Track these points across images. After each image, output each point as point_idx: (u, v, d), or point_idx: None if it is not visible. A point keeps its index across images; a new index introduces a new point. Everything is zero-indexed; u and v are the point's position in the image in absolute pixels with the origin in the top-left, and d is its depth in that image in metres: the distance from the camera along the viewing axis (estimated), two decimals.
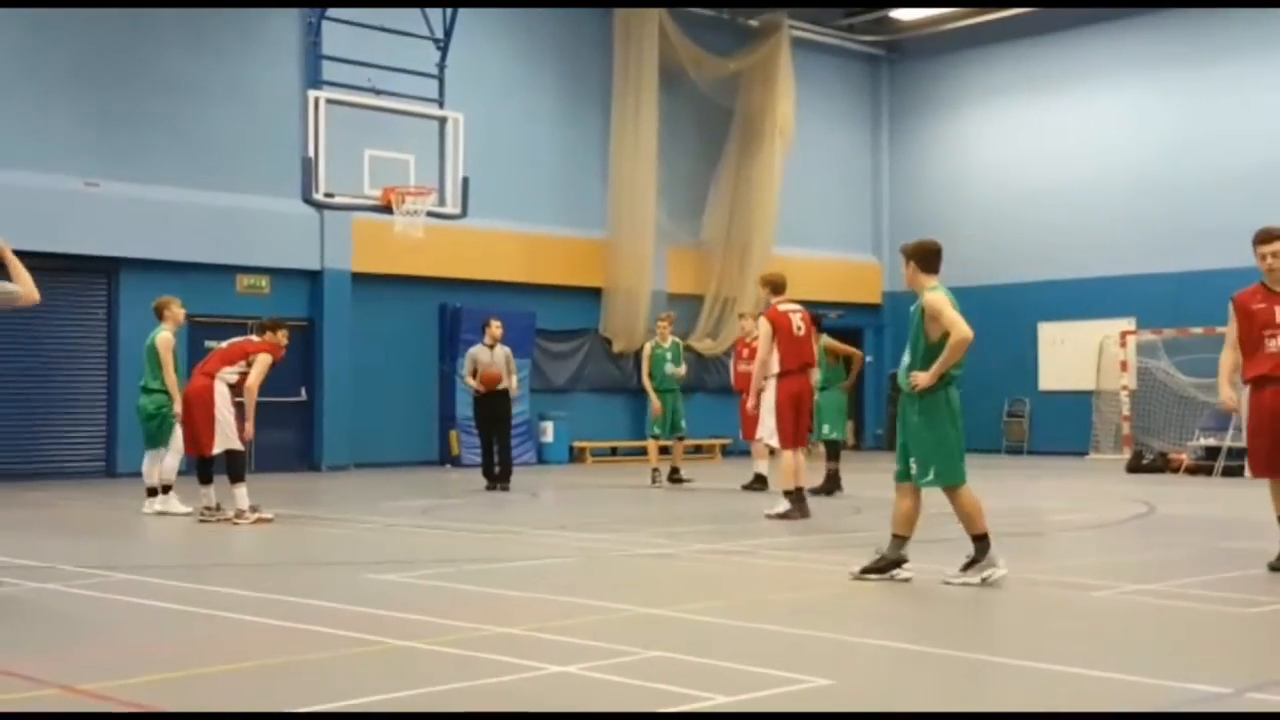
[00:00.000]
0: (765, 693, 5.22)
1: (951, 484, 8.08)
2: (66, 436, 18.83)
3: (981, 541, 7.96)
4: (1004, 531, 11.66)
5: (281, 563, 9.71)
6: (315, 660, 5.92)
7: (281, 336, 12.74)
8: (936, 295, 7.97)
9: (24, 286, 8.01)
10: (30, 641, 6.52)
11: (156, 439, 13.00)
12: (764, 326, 12.39)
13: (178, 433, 12.75)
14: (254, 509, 12.09)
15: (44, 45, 18.42)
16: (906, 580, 7.98)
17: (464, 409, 21.40)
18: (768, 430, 12.44)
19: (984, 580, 7.85)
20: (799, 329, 12.44)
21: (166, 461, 12.95)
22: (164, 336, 12.94)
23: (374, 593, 7.85)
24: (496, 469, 16.20)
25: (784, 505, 12.27)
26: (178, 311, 13.17)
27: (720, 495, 15.18)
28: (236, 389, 12.37)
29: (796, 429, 12.40)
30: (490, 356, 16.08)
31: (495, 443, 16.16)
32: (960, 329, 7.83)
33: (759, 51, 25.38)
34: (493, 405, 16.09)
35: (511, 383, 16.21)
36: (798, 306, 12.69)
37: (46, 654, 6.13)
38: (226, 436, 12.16)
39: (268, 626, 6.82)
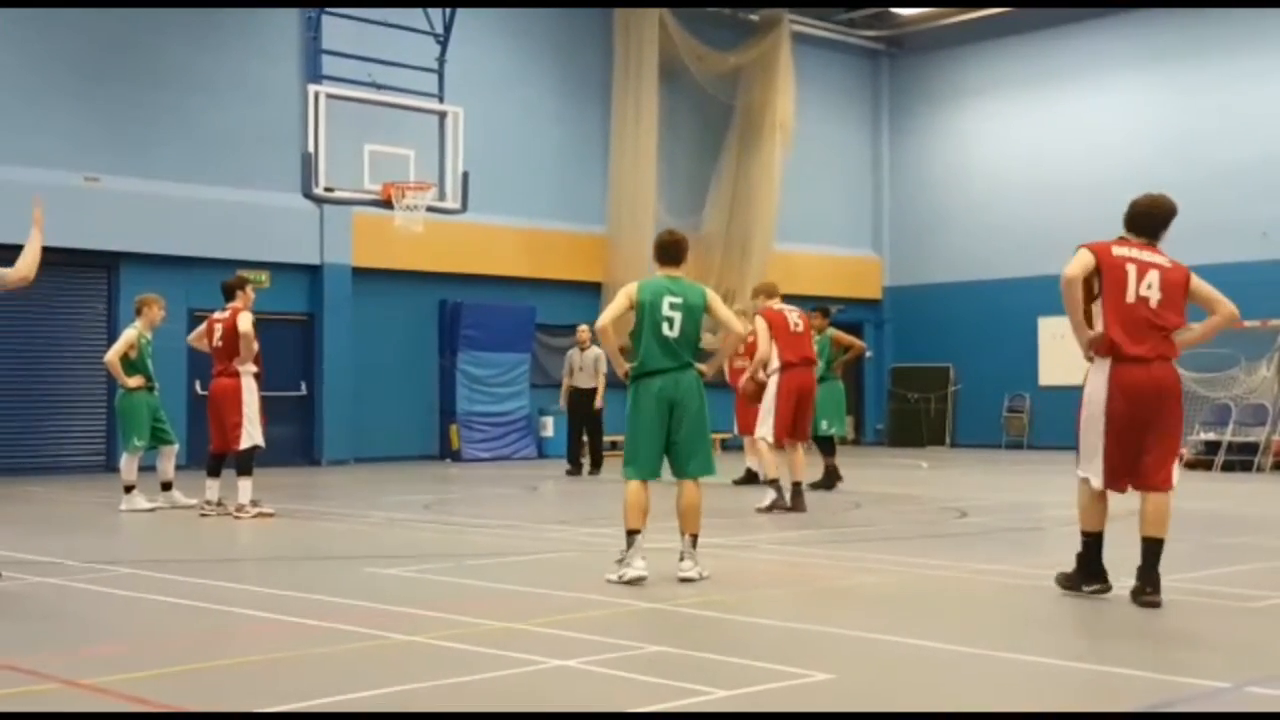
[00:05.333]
0: (766, 687, 5.23)
1: (630, 476, 8.15)
2: (66, 431, 18.83)
3: (629, 536, 7.93)
4: (1004, 526, 11.70)
5: (284, 557, 9.72)
6: (318, 655, 5.93)
7: (250, 292, 12.57)
8: (627, 285, 8.23)
9: (17, 269, 8.08)
10: (33, 637, 6.53)
11: (152, 438, 13.03)
12: (760, 324, 12.57)
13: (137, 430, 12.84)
14: (254, 504, 12.11)
15: (45, 41, 18.41)
16: (638, 579, 7.78)
17: (465, 403, 21.64)
18: (764, 424, 12.54)
19: (620, 578, 7.82)
20: (796, 325, 12.64)
21: (123, 461, 12.95)
22: (126, 333, 13.01)
23: (376, 588, 7.86)
24: (584, 459, 18.23)
25: (771, 497, 12.34)
26: (156, 313, 13.11)
27: (720, 490, 15.18)
28: (259, 377, 12.39)
29: (795, 424, 12.51)
30: (581, 359, 17.99)
31: (586, 435, 18.30)
32: (599, 320, 8.22)
33: (759, 47, 25.36)
34: (585, 401, 18.05)
35: (599, 384, 17.91)
36: (794, 308, 12.98)
37: (49, 649, 6.13)
38: (253, 432, 12.17)
39: (270, 621, 6.83)
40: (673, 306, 8.03)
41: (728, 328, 8.42)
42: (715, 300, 8.29)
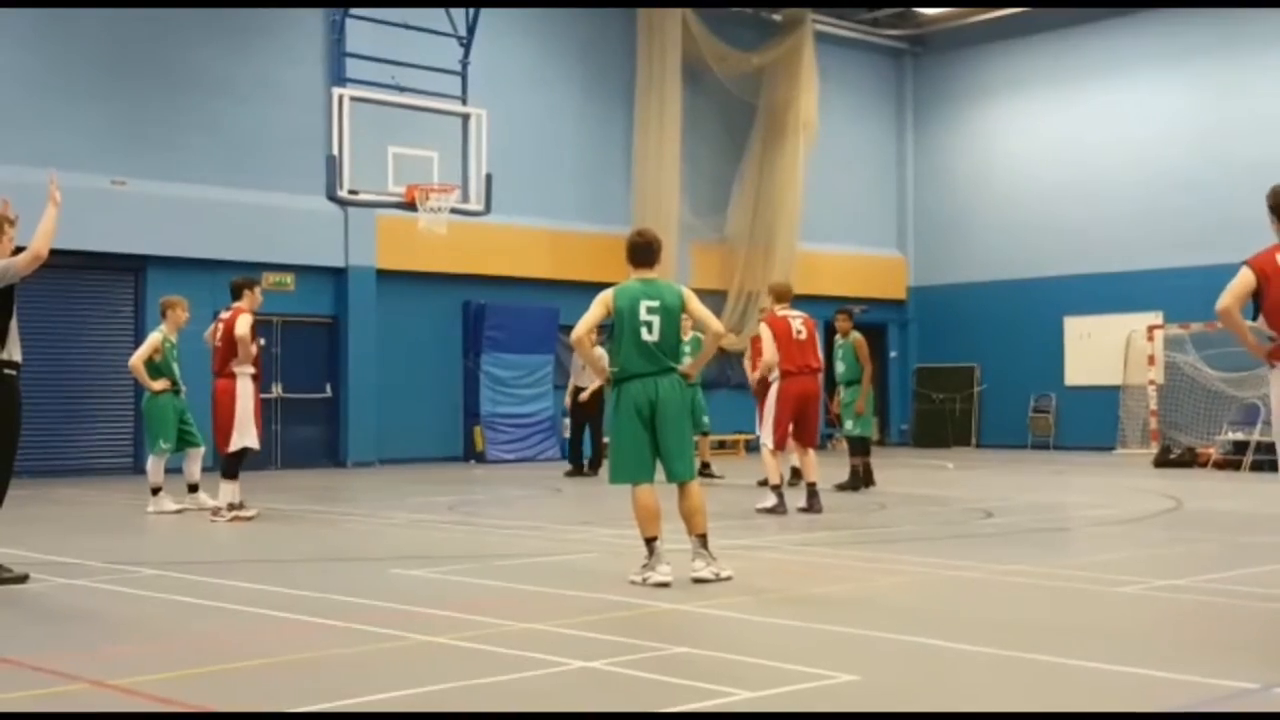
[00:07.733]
0: (791, 688, 5.22)
1: (617, 483, 8.06)
2: (94, 434, 18.94)
3: (649, 544, 7.84)
4: (1030, 527, 11.64)
5: (307, 559, 9.75)
6: (341, 656, 5.95)
7: (258, 294, 12.55)
8: (602, 293, 8.04)
9: (28, 250, 7.96)
10: (60, 637, 6.57)
11: (179, 441, 13.08)
12: (764, 331, 12.66)
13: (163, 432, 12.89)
14: (232, 507, 11.98)
15: (71, 44, 18.53)
16: (663, 584, 7.67)
17: (489, 405, 21.72)
18: (765, 430, 12.59)
19: (644, 581, 7.72)
20: (799, 333, 12.65)
21: (150, 463, 12.99)
22: (152, 336, 13.06)
23: (399, 588, 7.87)
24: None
25: (772, 500, 12.33)
26: (180, 315, 13.13)
27: (745, 491, 15.16)
28: (257, 379, 12.39)
29: (800, 429, 12.58)
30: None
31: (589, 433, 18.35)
32: (575, 330, 7.98)
33: (783, 46, 25.33)
34: (589, 399, 17.92)
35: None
36: (800, 314, 12.92)
37: (77, 650, 6.17)
38: (242, 434, 12.16)
39: (294, 622, 6.86)
40: (650, 310, 7.91)
41: (706, 327, 8.20)
42: (692, 299, 8.14)
